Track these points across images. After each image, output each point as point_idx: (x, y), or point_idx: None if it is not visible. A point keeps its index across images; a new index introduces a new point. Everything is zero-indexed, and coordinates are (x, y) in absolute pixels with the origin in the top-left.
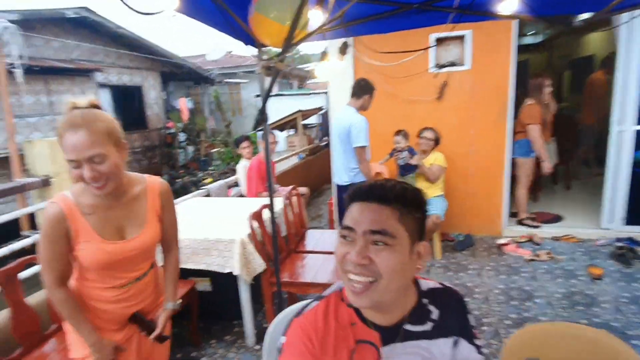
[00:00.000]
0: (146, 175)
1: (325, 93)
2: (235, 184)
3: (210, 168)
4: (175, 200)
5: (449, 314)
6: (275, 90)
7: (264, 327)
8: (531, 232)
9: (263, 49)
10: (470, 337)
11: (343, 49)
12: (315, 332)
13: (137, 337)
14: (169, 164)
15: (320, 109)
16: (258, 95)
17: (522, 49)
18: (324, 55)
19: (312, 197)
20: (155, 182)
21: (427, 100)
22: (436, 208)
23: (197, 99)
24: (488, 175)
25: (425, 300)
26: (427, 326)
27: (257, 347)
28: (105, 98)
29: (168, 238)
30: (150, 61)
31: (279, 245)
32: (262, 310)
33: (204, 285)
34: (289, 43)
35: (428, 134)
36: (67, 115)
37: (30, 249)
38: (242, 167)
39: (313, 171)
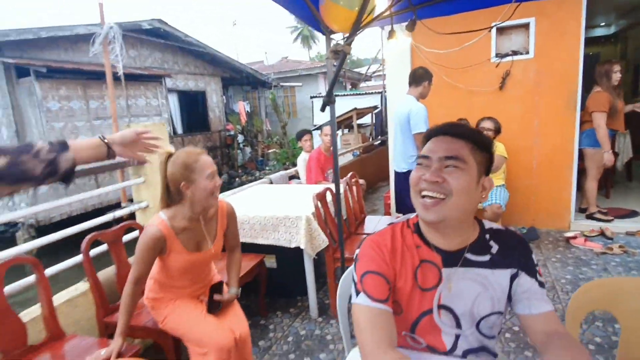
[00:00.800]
0: (218, 200)
1: (380, 93)
2: (295, 176)
3: (266, 168)
4: (242, 187)
5: (509, 250)
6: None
7: (325, 303)
8: (602, 226)
9: (331, 35)
10: (532, 273)
11: (411, 25)
12: (385, 245)
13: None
14: (228, 164)
15: (375, 107)
16: (313, 97)
17: (592, 41)
18: (391, 33)
19: (367, 192)
20: (224, 205)
21: (487, 90)
22: (497, 197)
23: (254, 102)
24: (554, 167)
25: (486, 236)
26: (486, 257)
27: (320, 319)
28: (173, 102)
29: (232, 244)
30: (213, 67)
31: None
32: (323, 289)
33: (270, 262)
34: (357, 27)
35: (487, 124)
36: (185, 155)
37: (127, 217)
38: (302, 159)
39: (367, 168)
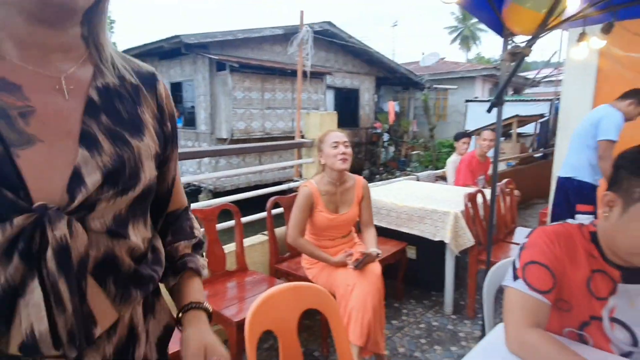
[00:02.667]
0: (355, 175)
1: (550, 101)
2: (442, 177)
3: (407, 169)
4: (390, 180)
5: None
6: (486, 96)
7: (460, 303)
8: None
9: (510, 38)
10: None
11: (607, 28)
12: (559, 239)
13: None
14: (370, 160)
15: (541, 116)
16: (468, 100)
17: None
18: (582, 36)
19: (519, 206)
20: (360, 180)
21: None
22: None
23: (404, 103)
24: None
25: None
26: None
27: (454, 316)
28: (329, 98)
29: (366, 218)
30: (369, 66)
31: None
32: (459, 290)
33: (410, 252)
34: (542, 29)
35: None
36: (322, 133)
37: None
38: (452, 161)
39: (523, 181)
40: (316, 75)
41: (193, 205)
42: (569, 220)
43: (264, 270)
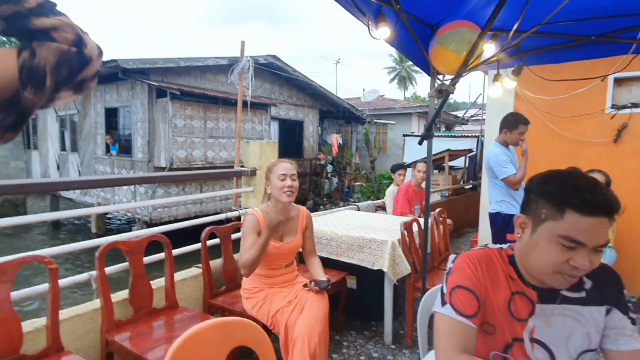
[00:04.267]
0: (298, 205)
1: (476, 137)
2: (381, 207)
3: (351, 199)
4: (332, 210)
5: (603, 286)
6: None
7: (400, 332)
8: None
9: (437, 76)
10: (624, 310)
11: (517, 70)
12: (481, 263)
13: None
14: (315, 191)
15: (469, 150)
16: (405, 135)
17: None
18: (496, 77)
19: (452, 235)
20: (303, 210)
21: (599, 142)
22: (602, 258)
23: (347, 136)
24: None
25: None
26: (582, 294)
27: (393, 346)
28: (274, 129)
29: (309, 247)
30: (313, 100)
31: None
32: (398, 319)
33: (350, 282)
34: (463, 69)
35: (596, 176)
36: (271, 163)
37: (236, 219)
38: (391, 191)
39: (455, 212)
40: (260, 106)
41: (117, 237)
42: (490, 245)
43: (197, 307)
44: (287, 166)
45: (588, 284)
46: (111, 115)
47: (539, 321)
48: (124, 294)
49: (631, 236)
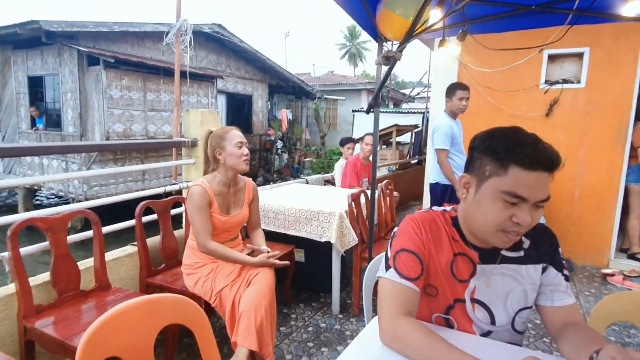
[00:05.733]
0: (244, 177)
1: (422, 113)
2: (330, 181)
3: (301, 175)
4: (280, 183)
5: (540, 245)
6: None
7: (347, 302)
8: None
9: (384, 43)
10: (559, 267)
11: (462, 36)
12: (425, 227)
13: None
14: (265, 167)
15: (415, 126)
16: (355, 110)
17: None
18: (442, 42)
19: (398, 208)
20: (250, 181)
21: (533, 115)
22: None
23: (297, 111)
24: (597, 201)
25: None
26: (520, 253)
27: (341, 315)
28: (221, 102)
29: (255, 219)
30: (262, 74)
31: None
32: (346, 289)
33: (298, 255)
34: (409, 35)
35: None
36: (220, 130)
37: (176, 193)
38: (340, 165)
39: (401, 185)
40: (206, 78)
41: (34, 213)
42: (434, 208)
43: (134, 287)
44: (240, 134)
45: (526, 243)
46: (36, 84)
47: (479, 281)
48: (45, 276)
49: (558, 204)
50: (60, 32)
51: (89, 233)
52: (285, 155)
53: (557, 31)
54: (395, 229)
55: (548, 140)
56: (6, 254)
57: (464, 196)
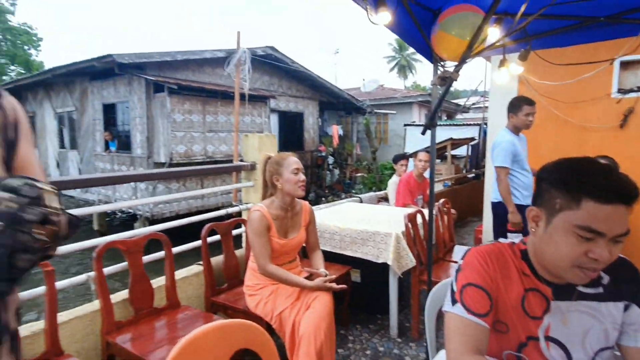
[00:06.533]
0: (301, 200)
1: (478, 125)
2: (384, 198)
3: (352, 191)
4: (334, 203)
5: (621, 281)
6: (423, 120)
7: (405, 325)
8: None
9: (439, 63)
10: None
11: (524, 55)
12: (492, 261)
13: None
14: (316, 183)
15: (471, 139)
16: (406, 125)
17: None
18: (502, 62)
19: (456, 224)
20: (306, 205)
21: (605, 127)
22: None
23: (347, 127)
24: None
25: None
26: (599, 289)
27: (399, 339)
28: (274, 121)
29: (312, 242)
30: (313, 91)
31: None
32: (404, 311)
33: (355, 276)
34: (467, 55)
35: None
36: (278, 156)
37: (235, 216)
38: (393, 182)
39: (458, 201)
40: (259, 99)
41: (114, 236)
42: (501, 240)
43: (199, 305)
44: (297, 160)
45: (606, 279)
46: (109, 111)
47: (554, 319)
48: (124, 294)
49: (637, 224)
50: (130, 63)
51: (161, 254)
52: (337, 171)
53: (629, 42)
54: (460, 261)
55: (622, 153)
56: (92, 273)
57: (533, 230)
